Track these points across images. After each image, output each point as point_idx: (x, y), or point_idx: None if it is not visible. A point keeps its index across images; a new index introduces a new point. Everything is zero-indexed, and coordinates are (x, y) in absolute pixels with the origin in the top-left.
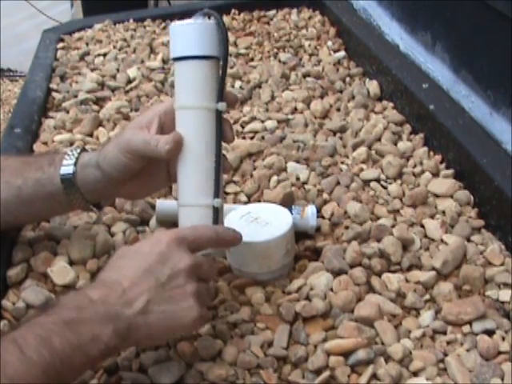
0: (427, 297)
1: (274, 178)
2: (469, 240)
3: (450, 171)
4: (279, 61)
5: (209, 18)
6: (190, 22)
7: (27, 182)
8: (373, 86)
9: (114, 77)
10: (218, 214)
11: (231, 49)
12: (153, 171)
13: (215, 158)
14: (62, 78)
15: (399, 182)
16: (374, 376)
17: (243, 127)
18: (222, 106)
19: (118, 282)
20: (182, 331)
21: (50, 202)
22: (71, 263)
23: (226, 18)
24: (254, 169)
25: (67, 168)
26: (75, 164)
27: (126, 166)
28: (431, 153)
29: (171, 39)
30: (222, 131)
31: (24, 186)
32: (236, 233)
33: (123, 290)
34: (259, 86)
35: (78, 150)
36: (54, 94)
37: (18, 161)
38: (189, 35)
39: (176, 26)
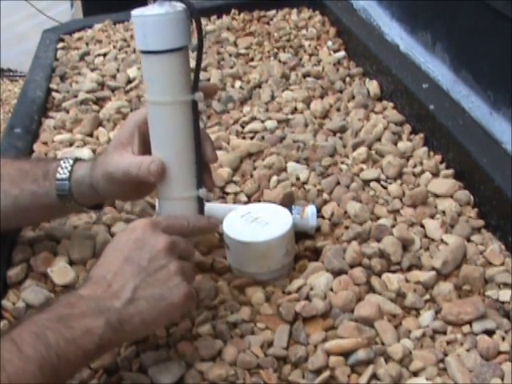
0: (427, 297)
1: (274, 178)
2: (469, 240)
3: (450, 171)
4: (279, 61)
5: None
6: (155, 14)
7: (24, 193)
8: (373, 86)
9: (114, 77)
10: (202, 204)
11: (231, 49)
12: None
13: (195, 149)
14: (62, 77)
15: (399, 181)
16: (374, 376)
17: (243, 127)
18: (198, 96)
19: (103, 276)
20: (174, 311)
21: (48, 210)
22: (71, 263)
23: (226, 18)
24: (254, 169)
25: (62, 183)
26: (69, 179)
27: (119, 190)
28: (431, 153)
29: (135, 30)
30: (198, 120)
31: (21, 196)
32: (210, 220)
33: (108, 283)
34: (259, 86)
35: (71, 162)
36: (54, 94)
37: (14, 168)
38: (154, 28)
39: (139, 16)
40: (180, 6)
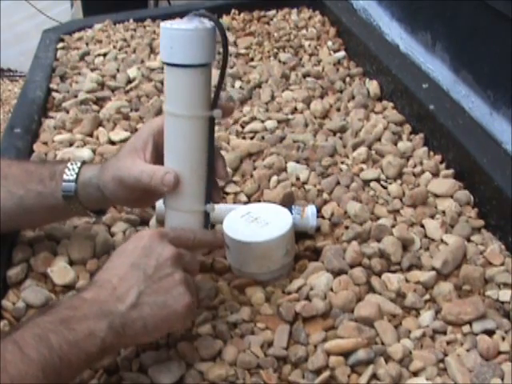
0: (427, 297)
1: (274, 177)
2: (469, 240)
3: (450, 171)
4: (279, 61)
5: (209, 19)
6: (184, 29)
7: (29, 194)
8: (373, 86)
9: (114, 77)
10: (208, 218)
11: (231, 49)
12: None
13: (207, 164)
14: (62, 77)
15: (399, 182)
16: (374, 376)
17: (243, 127)
18: (217, 113)
19: (108, 280)
20: (176, 320)
21: (52, 211)
22: (71, 263)
23: (225, 18)
24: (254, 169)
25: (68, 185)
26: (76, 181)
27: (127, 196)
28: (431, 153)
29: (162, 41)
30: (214, 137)
31: (26, 197)
32: (217, 235)
33: (113, 286)
34: (259, 86)
35: (79, 164)
36: (54, 93)
37: (20, 169)
38: (182, 42)
39: (168, 28)
40: (209, 23)
